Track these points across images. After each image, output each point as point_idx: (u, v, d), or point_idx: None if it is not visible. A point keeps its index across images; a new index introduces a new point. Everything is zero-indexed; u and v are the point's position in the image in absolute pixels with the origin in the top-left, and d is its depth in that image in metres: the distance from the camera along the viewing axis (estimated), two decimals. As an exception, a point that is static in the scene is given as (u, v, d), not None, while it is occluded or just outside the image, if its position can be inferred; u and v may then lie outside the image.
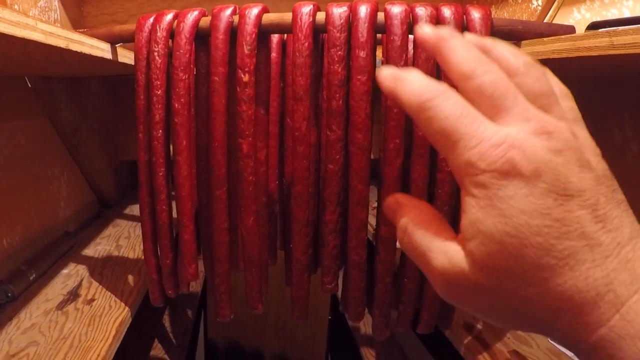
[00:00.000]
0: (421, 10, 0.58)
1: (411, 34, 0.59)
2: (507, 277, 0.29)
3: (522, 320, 0.30)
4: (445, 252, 0.32)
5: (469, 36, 0.35)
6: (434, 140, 0.32)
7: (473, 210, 0.30)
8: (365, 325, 1.36)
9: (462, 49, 0.32)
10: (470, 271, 0.30)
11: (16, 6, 0.84)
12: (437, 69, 0.59)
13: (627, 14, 0.76)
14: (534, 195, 0.28)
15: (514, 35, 0.61)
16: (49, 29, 0.51)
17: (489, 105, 0.31)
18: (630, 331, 0.26)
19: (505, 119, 0.30)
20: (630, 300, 0.27)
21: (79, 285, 0.87)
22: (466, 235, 0.30)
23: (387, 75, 0.34)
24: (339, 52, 0.60)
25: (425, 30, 0.34)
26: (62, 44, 0.55)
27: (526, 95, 0.31)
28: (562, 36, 0.52)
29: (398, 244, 0.65)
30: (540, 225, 0.28)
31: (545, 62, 0.58)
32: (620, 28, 0.44)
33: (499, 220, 0.28)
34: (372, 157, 0.62)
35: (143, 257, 0.75)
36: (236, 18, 0.62)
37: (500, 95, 0.30)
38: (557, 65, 0.64)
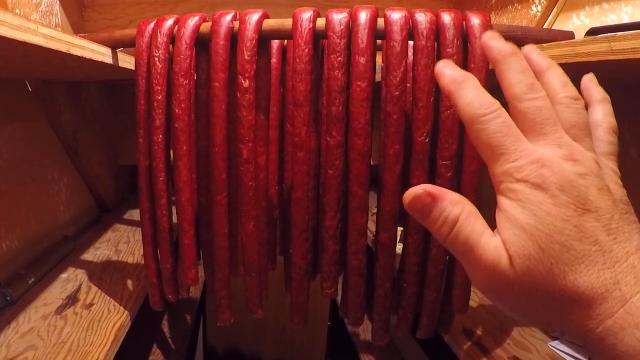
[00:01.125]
0: (421, 17, 0.58)
1: (411, 40, 0.59)
2: (536, 267, 0.34)
3: (545, 312, 0.35)
4: (495, 248, 0.36)
5: (528, 49, 0.42)
6: (479, 147, 0.37)
7: (508, 209, 0.35)
8: (365, 331, 1.36)
9: (518, 72, 0.38)
10: (508, 262, 0.35)
11: (17, 10, 0.84)
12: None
13: (626, 19, 0.76)
14: (557, 205, 0.34)
15: (514, 41, 0.60)
16: (50, 33, 0.51)
17: (530, 127, 0.36)
18: (631, 323, 0.31)
19: (542, 142, 0.36)
20: (633, 298, 0.31)
21: (78, 289, 0.87)
22: (502, 228, 0.36)
23: (449, 76, 0.39)
24: (339, 58, 0.60)
25: (492, 41, 0.40)
26: (63, 48, 0.55)
27: (563, 123, 0.37)
28: (562, 42, 0.52)
29: (398, 249, 0.65)
30: (562, 227, 0.33)
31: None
32: (619, 33, 0.44)
33: (530, 217, 0.34)
34: (371, 163, 0.62)
35: (142, 262, 0.75)
36: (237, 24, 0.63)
37: (542, 121, 0.36)
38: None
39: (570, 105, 0.38)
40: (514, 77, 0.38)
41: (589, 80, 0.44)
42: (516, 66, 0.38)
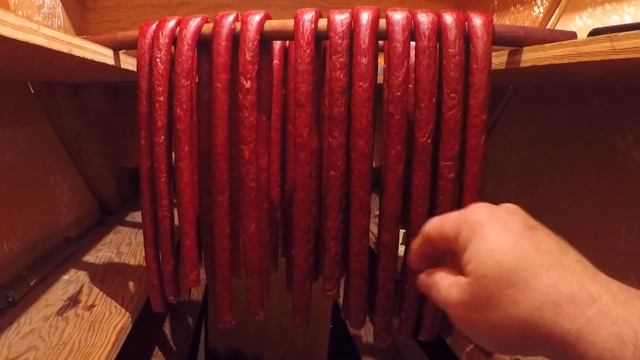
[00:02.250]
0: (423, 17, 0.58)
1: (413, 40, 0.59)
2: (493, 280, 0.36)
3: (512, 327, 0.36)
4: (450, 281, 0.40)
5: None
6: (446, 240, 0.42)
7: (467, 246, 0.39)
8: (367, 334, 1.36)
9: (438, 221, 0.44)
10: (468, 287, 0.38)
11: (20, 12, 0.84)
12: (438, 75, 0.59)
13: (628, 20, 0.76)
14: (510, 224, 0.38)
15: (516, 41, 0.61)
16: (51, 34, 0.51)
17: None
18: (607, 320, 0.31)
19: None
20: (602, 297, 0.32)
21: (80, 291, 0.86)
22: (465, 262, 0.39)
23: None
24: (341, 59, 0.60)
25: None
26: (64, 48, 0.55)
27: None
28: (564, 42, 0.52)
29: (400, 251, 0.65)
30: (516, 240, 0.37)
31: (547, 69, 0.58)
32: (622, 33, 0.44)
33: (485, 242, 0.38)
34: (373, 165, 0.62)
35: (144, 263, 0.74)
36: (238, 25, 0.63)
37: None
38: (559, 72, 0.64)
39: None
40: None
41: None
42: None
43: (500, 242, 0.37)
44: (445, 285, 0.41)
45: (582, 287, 0.33)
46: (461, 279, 0.39)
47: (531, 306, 0.34)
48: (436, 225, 0.43)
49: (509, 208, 0.41)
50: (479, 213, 0.40)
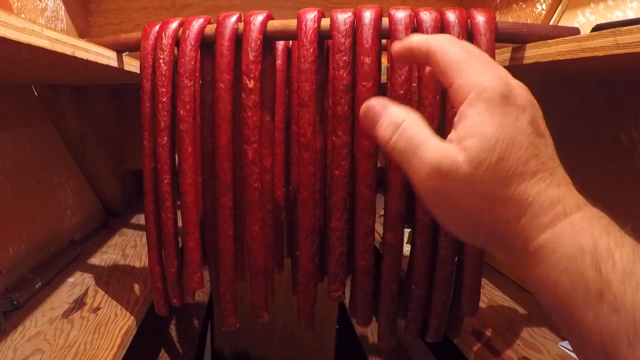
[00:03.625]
0: (425, 15, 0.58)
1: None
2: (492, 171, 0.36)
3: (486, 218, 0.37)
4: (441, 148, 0.38)
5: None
6: (441, 66, 0.40)
7: (475, 117, 0.37)
8: (373, 334, 1.36)
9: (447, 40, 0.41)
10: (463, 163, 0.36)
11: (23, 15, 0.84)
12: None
13: (631, 15, 0.76)
14: (521, 121, 0.37)
15: (519, 38, 0.61)
16: (55, 36, 0.51)
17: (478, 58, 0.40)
18: (571, 231, 0.34)
19: (492, 67, 0.39)
20: (575, 213, 0.35)
21: (85, 293, 0.87)
22: (464, 135, 0.37)
23: (416, 39, 0.43)
24: (344, 58, 0.60)
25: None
26: (68, 51, 0.55)
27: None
28: (567, 37, 0.52)
29: (406, 251, 0.65)
30: (523, 140, 0.36)
31: (550, 65, 0.57)
32: (625, 27, 0.44)
33: (497, 126, 0.36)
34: (378, 165, 0.62)
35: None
36: (241, 25, 0.63)
37: (484, 57, 0.40)
38: (563, 69, 0.63)
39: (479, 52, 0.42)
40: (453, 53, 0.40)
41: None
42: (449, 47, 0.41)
43: (512, 138, 0.36)
44: (422, 138, 0.39)
45: (561, 201, 0.36)
46: (455, 151, 0.37)
47: (514, 211, 0.36)
48: (448, 56, 0.40)
49: (523, 99, 0.38)
50: (497, 86, 0.37)
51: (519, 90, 0.38)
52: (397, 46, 0.44)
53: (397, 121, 0.41)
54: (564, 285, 0.34)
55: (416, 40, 0.42)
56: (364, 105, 0.43)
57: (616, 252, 0.33)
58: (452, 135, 0.38)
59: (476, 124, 0.37)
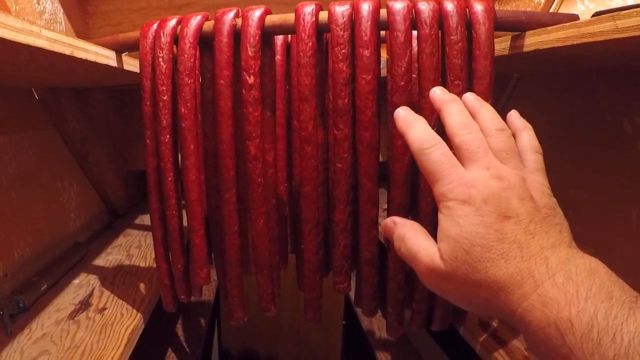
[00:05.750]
0: (423, 5, 0.58)
1: (414, 29, 0.59)
2: (462, 266, 0.44)
3: (474, 299, 0.45)
4: (428, 252, 0.48)
5: (467, 96, 0.54)
6: (425, 174, 0.49)
7: (443, 223, 0.46)
8: (380, 329, 1.36)
9: (456, 114, 0.50)
10: (442, 263, 0.45)
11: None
12: (442, 65, 0.59)
13: (630, 1, 0.76)
14: (481, 215, 0.44)
15: (518, 26, 0.61)
16: (53, 36, 0.51)
17: (465, 156, 0.47)
18: (540, 303, 0.39)
19: (474, 166, 0.46)
20: (544, 283, 0.40)
21: (91, 294, 0.87)
22: (439, 238, 0.46)
23: (402, 117, 0.53)
24: (343, 50, 0.59)
25: (434, 92, 0.54)
26: (67, 51, 0.55)
27: (493, 150, 0.48)
28: (566, 24, 0.52)
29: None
30: (484, 232, 0.43)
31: (550, 52, 0.57)
32: (624, 11, 0.43)
33: (456, 227, 0.44)
34: (380, 159, 0.62)
35: (154, 265, 0.75)
36: (239, 21, 0.62)
37: (474, 150, 0.47)
38: (563, 56, 0.63)
39: (498, 135, 0.49)
40: (452, 118, 0.50)
41: (514, 115, 0.56)
42: (454, 109, 0.51)
43: (472, 233, 0.43)
44: (417, 246, 0.49)
45: (530, 274, 0.41)
46: (436, 254, 0.46)
47: (490, 290, 0.43)
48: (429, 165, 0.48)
49: (486, 196, 0.44)
50: (458, 195, 0.45)
51: (481, 187, 0.45)
52: (399, 122, 0.54)
53: (400, 235, 0.52)
54: (541, 350, 0.39)
55: (401, 127, 0.52)
56: (383, 225, 0.56)
57: (575, 320, 0.37)
58: (437, 234, 0.47)
59: (444, 229, 0.46)
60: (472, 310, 0.49)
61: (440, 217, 0.47)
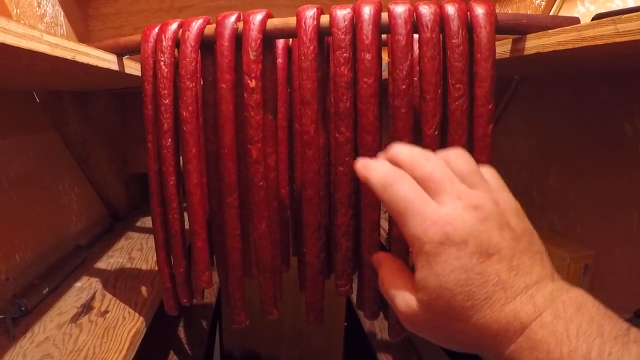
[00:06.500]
0: (425, 9, 0.58)
1: (416, 33, 0.59)
2: (443, 316, 0.41)
3: (460, 344, 0.43)
4: (404, 299, 0.44)
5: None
6: (393, 214, 0.43)
7: (419, 271, 0.42)
8: (382, 330, 1.36)
9: (408, 149, 0.45)
10: (420, 312, 0.42)
11: (22, 22, 0.84)
12: (443, 68, 0.59)
13: (631, 4, 0.76)
14: (462, 257, 0.39)
15: (519, 29, 0.61)
16: (54, 41, 0.51)
17: (432, 188, 0.42)
18: (529, 345, 0.37)
19: (443, 198, 0.42)
20: (531, 325, 0.37)
21: (92, 297, 0.87)
22: (416, 287, 0.43)
23: (359, 165, 0.47)
24: (345, 54, 0.60)
25: (359, 164, 0.47)
26: (68, 55, 0.55)
27: (458, 176, 0.43)
28: (567, 27, 0.52)
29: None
30: (465, 278, 0.39)
31: (551, 55, 0.57)
32: (625, 15, 0.43)
33: (435, 277, 0.40)
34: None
35: (156, 268, 0.75)
36: (241, 25, 0.63)
37: (439, 180, 0.42)
38: (564, 59, 0.63)
39: (458, 159, 0.45)
40: (404, 153, 0.45)
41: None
42: (402, 148, 0.46)
43: (451, 282, 0.39)
44: (401, 302, 0.45)
45: (516, 317, 0.38)
46: (414, 303, 0.43)
47: (475, 337, 0.40)
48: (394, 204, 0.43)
49: (465, 234, 0.40)
50: (432, 236, 0.40)
51: (458, 223, 0.40)
52: (359, 170, 0.48)
53: (380, 277, 0.49)
54: None
55: (362, 174, 0.47)
56: (373, 259, 0.53)
57: None
58: (415, 280, 0.43)
59: (422, 277, 0.41)
60: (458, 350, 0.45)
61: (416, 264, 0.42)
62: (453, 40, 0.57)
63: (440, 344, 0.45)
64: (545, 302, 0.38)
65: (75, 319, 0.79)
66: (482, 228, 0.40)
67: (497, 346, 0.39)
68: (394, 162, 0.46)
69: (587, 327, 0.36)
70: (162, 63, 0.65)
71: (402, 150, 0.46)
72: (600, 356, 0.34)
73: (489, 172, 0.47)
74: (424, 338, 0.45)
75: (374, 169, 0.45)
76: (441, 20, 0.58)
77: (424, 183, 0.43)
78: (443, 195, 0.42)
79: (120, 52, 0.71)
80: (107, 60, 0.67)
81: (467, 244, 0.39)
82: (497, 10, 0.59)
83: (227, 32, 0.62)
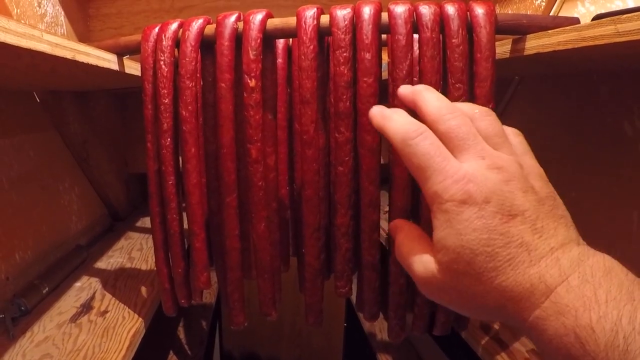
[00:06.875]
0: (425, 9, 0.58)
1: (416, 33, 0.59)
2: (464, 278, 0.39)
3: (480, 309, 0.41)
4: (422, 263, 0.43)
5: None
6: (411, 170, 0.43)
7: (438, 230, 0.40)
8: (381, 331, 1.36)
9: (435, 100, 0.44)
10: (439, 274, 0.41)
11: (22, 21, 0.84)
12: (443, 68, 0.59)
13: (631, 4, 0.76)
14: (484, 217, 0.38)
15: (519, 29, 0.61)
16: (55, 40, 0.51)
17: (454, 145, 0.41)
18: (555, 310, 0.35)
19: (467, 156, 0.41)
20: (557, 288, 0.36)
21: (92, 297, 0.87)
22: (435, 248, 0.41)
23: (378, 114, 0.47)
24: (345, 54, 0.60)
25: (402, 89, 0.48)
26: (68, 55, 0.55)
27: (483, 136, 0.42)
28: (567, 27, 0.52)
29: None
30: (488, 238, 0.38)
31: (551, 55, 0.57)
32: (625, 15, 0.43)
33: (455, 237, 0.39)
34: (382, 161, 0.62)
35: (156, 268, 0.75)
36: (241, 24, 0.63)
37: (463, 137, 0.41)
38: (564, 59, 0.63)
39: (484, 118, 0.44)
40: (431, 104, 0.44)
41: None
42: (430, 96, 0.45)
43: (474, 242, 0.38)
44: (419, 266, 0.43)
45: (541, 279, 0.37)
46: (433, 265, 0.42)
47: (497, 301, 0.38)
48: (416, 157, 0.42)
49: (487, 193, 0.39)
50: (454, 194, 0.39)
51: (480, 181, 0.39)
52: (375, 117, 0.48)
53: (397, 241, 0.48)
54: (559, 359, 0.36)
55: (378, 123, 0.47)
56: (389, 227, 0.52)
57: (597, 327, 0.33)
58: (433, 241, 0.42)
59: (441, 237, 0.40)
60: (477, 318, 0.45)
61: (435, 222, 0.41)
62: (453, 40, 0.57)
63: (459, 310, 0.44)
64: (571, 266, 0.37)
65: (74, 318, 0.79)
66: (506, 188, 0.39)
67: (520, 311, 0.38)
68: (417, 109, 0.45)
69: (616, 293, 0.34)
70: (162, 62, 0.65)
71: (428, 98, 0.45)
72: (632, 323, 0.33)
73: (514, 135, 0.47)
74: (444, 305, 0.44)
75: (392, 120, 0.45)
76: (441, 20, 0.58)
77: (446, 138, 0.42)
78: (466, 153, 0.41)
79: (121, 52, 0.71)
80: (107, 60, 0.67)
81: (490, 203, 0.38)
82: (497, 11, 0.60)
83: (227, 32, 0.62)
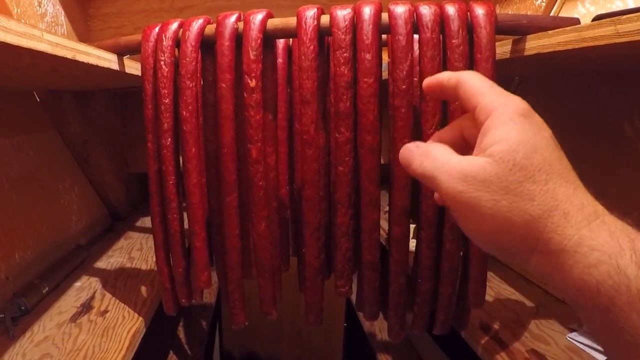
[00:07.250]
0: (425, 9, 0.58)
1: (416, 33, 0.59)
2: (518, 171, 0.37)
3: (520, 221, 0.37)
4: (466, 159, 0.40)
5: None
6: (464, 99, 0.43)
7: (499, 127, 0.39)
8: (381, 331, 1.36)
9: (478, 78, 0.44)
10: (489, 165, 0.38)
11: (23, 21, 0.84)
12: (443, 69, 0.59)
13: (631, 5, 0.76)
14: (543, 131, 0.40)
15: (519, 30, 0.61)
16: (55, 40, 0.51)
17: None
18: (607, 230, 0.35)
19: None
20: (606, 215, 0.36)
21: (92, 297, 0.87)
22: (488, 144, 0.39)
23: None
24: (345, 54, 0.60)
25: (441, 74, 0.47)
26: (68, 54, 0.55)
27: None
28: (567, 28, 0.52)
29: (411, 246, 0.64)
30: (547, 145, 0.38)
31: (551, 56, 0.57)
32: (625, 16, 0.43)
33: (520, 131, 0.38)
34: (382, 161, 0.62)
35: (156, 268, 0.75)
36: (241, 24, 0.63)
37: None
38: (564, 60, 0.63)
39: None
40: (475, 82, 0.43)
41: None
42: (473, 75, 0.44)
43: (536, 142, 0.38)
44: (447, 156, 0.42)
45: (590, 203, 0.37)
46: (480, 159, 0.39)
47: (545, 207, 0.36)
48: (474, 84, 0.43)
49: (541, 120, 0.41)
50: (519, 103, 0.40)
51: (537, 115, 0.41)
52: (428, 80, 0.47)
53: (424, 150, 0.44)
54: (605, 285, 0.33)
55: (447, 74, 0.46)
56: (404, 148, 0.46)
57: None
58: (475, 150, 0.41)
59: (500, 133, 0.39)
60: (503, 247, 0.40)
61: (493, 122, 0.40)
62: (453, 41, 0.57)
63: (483, 226, 0.39)
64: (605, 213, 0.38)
65: (74, 318, 0.79)
66: (544, 125, 0.41)
67: (565, 227, 0.36)
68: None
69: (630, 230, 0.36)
70: (162, 62, 0.65)
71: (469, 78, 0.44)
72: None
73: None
74: (471, 226, 0.41)
75: (460, 73, 0.45)
76: (441, 20, 0.58)
77: (493, 85, 0.43)
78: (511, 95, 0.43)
79: (121, 52, 0.71)
80: (107, 60, 0.67)
81: (544, 128, 0.40)
82: (498, 11, 0.59)
83: (227, 32, 0.62)
